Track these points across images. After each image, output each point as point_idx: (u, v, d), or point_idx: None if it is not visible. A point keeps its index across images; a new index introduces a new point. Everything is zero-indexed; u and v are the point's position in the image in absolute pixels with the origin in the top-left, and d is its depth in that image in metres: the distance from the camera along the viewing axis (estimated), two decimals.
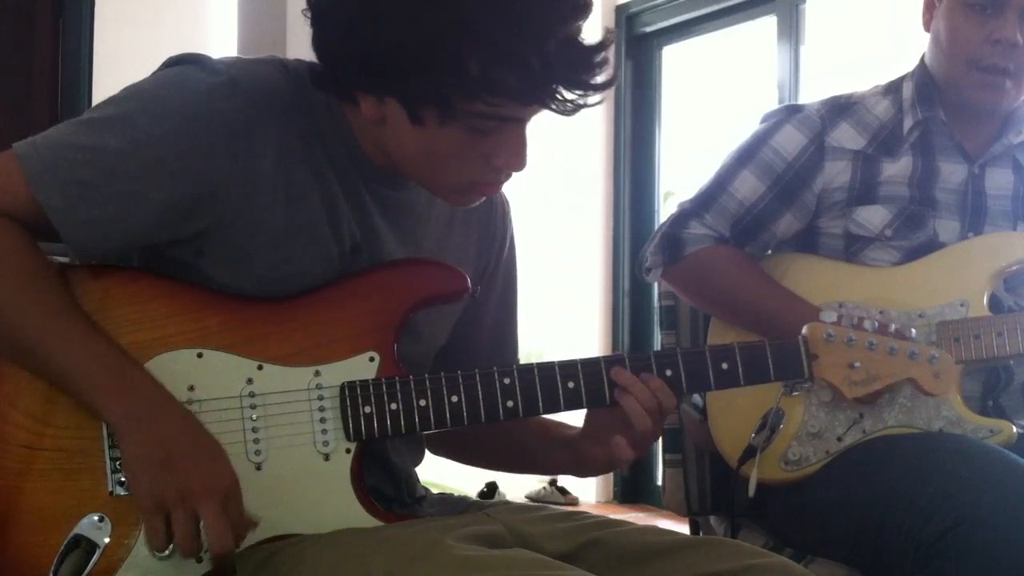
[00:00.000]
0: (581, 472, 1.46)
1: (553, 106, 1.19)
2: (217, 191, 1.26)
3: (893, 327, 1.43)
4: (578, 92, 1.19)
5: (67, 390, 1.25)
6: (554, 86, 1.18)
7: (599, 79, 1.19)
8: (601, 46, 1.19)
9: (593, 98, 1.20)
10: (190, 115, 1.24)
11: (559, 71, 1.17)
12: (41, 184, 1.24)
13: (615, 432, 1.33)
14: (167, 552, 1.22)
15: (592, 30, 1.21)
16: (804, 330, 1.40)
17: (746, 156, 1.97)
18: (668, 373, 1.34)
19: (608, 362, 1.33)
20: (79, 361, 1.23)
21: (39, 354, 1.24)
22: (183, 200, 1.25)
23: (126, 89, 1.29)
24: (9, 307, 1.24)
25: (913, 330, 1.45)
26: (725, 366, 1.36)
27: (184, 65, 1.28)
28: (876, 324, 1.42)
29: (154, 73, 1.30)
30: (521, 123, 1.24)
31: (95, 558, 1.24)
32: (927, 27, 1.96)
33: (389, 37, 1.17)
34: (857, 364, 1.40)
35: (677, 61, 5.27)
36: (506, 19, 1.14)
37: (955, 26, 1.88)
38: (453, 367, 1.33)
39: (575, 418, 1.43)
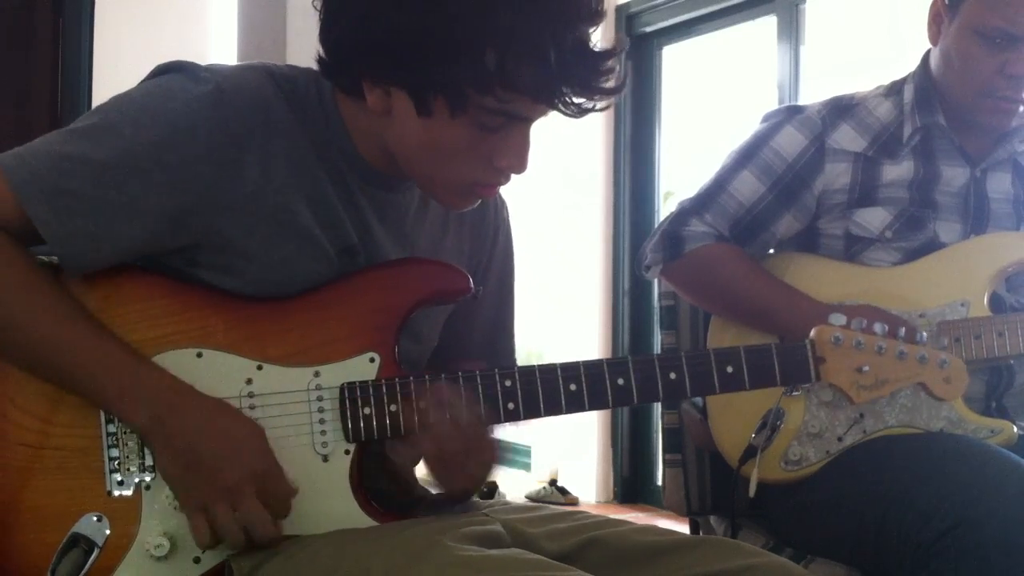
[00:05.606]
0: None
1: (561, 107, 1.21)
2: (205, 201, 1.25)
3: (903, 330, 1.42)
4: (586, 95, 1.21)
5: (85, 397, 1.25)
6: (565, 87, 1.19)
7: (608, 84, 1.21)
8: (611, 52, 1.21)
9: (601, 103, 1.22)
10: (177, 126, 1.23)
11: (572, 72, 1.18)
12: (28, 196, 1.23)
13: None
14: (215, 545, 1.23)
15: (599, 35, 1.23)
16: (812, 333, 1.38)
17: (746, 156, 1.96)
18: (672, 376, 1.33)
19: (612, 365, 1.32)
20: (94, 368, 1.23)
21: (53, 364, 1.25)
22: (172, 211, 1.25)
23: (114, 98, 1.28)
24: (17, 320, 1.24)
25: (924, 334, 1.43)
26: (730, 369, 1.34)
27: (172, 74, 1.28)
28: (885, 328, 1.40)
29: (142, 82, 1.30)
30: (526, 124, 1.24)
31: (93, 557, 1.24)
32: (934, 41, 1.93)
33: (410, 24, 1.17)
34: (866, 368, 1.38)
35: (677, 61, 5.26)
36: (527, 13, 1.16)
37: (968, 54, 1.85)
38: (446, 366, 1.32)
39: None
